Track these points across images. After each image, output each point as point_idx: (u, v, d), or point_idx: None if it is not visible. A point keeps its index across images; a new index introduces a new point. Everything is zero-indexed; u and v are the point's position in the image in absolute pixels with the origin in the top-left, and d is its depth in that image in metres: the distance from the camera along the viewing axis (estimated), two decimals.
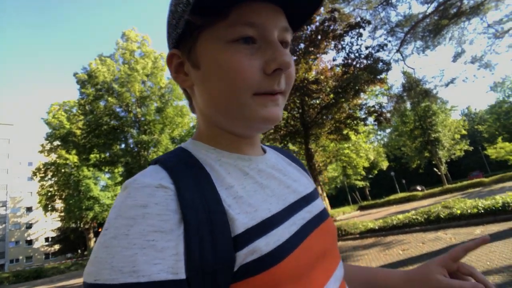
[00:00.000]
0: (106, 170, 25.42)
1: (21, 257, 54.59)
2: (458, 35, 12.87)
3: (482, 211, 7.92)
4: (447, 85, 13.56)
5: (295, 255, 0.42)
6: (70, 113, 27.36)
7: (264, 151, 0.59)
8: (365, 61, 12.67)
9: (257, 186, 0.47)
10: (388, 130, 37.53)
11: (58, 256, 51.70)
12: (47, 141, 28.76)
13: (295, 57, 13.66)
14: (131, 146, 23.03)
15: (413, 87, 14.25)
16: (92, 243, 35.25)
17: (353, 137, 18.85)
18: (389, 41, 12.44)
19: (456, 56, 13.40)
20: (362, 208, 28.88)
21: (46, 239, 55.63)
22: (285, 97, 0.48)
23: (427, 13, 11.50)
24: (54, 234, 49.60)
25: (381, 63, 12.23)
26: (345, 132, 16.37)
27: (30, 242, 56.34)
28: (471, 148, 33.92)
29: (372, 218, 13.11)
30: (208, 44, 0.43)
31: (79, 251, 45.50)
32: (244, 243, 0.38)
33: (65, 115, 27.91)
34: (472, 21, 12.25)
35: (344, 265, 0.66)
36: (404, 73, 20.96)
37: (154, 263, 0.33)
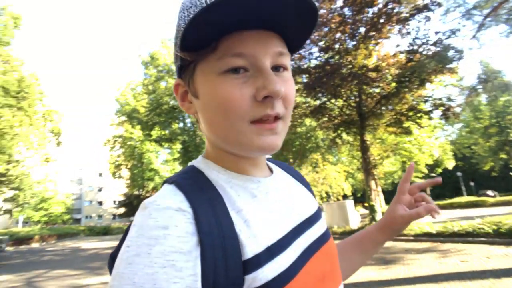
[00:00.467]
0: (166, 146, 27.31)
1: (93, 215, 62.59)
2: None
3: None
4: None
5: (297, 280, 0.43)
6: (135, 92, 29.70)
7: (271, 170, 0.60)
8: (433, 48, 11.38)
9: (264, 210, 0.48)
10: (457, 126, 33.83)
11: (123, 218, 57.46)
12: (116, 116, 31.77)
13: (354, 42, 12.85)
14: (188, 125, 24.34)
15: (491, 79, 12.52)
16: None
17: (415, 131, 17.40)
18: (464, 26, 10.94)
19: None
20: None
21: (114, 202, 62.52)
22: (285, 123, 0.48)
23: None
24: (120, 198, 55.36)
25: (452, 51, 10.88)
26: (406, 125, 15.10)
27: (100, 203, 64.15)
28: None
29: (430, 220, 12.14)
30: (202, 76, 0.45)
31: None
32: (252, 268, 0.40)
33: (131, 93, 30.40)
34: None
35: (337, 245, 0.69)
36: (481, 62, 18.51)
37: (173, 281, 0.35)
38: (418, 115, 14.07)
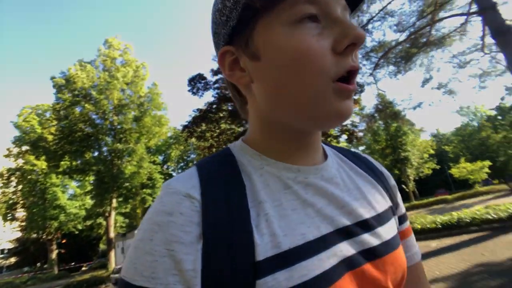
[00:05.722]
0: (77, 178, 24.54)
1: None
2: (427, 62, 13.99)
3: (440, 226, 8.68)
4: (414, 108, 14.70)
5: None
6: (42, 117, 26.35)
7: (326, 157, 0.51)
8: None
9: (298, 204, 0.41)
10: (361, 148, 39.12)
11: (13, 270, 48.17)
12: (15, 145, 27.45)
13: None
14: (105, 154, 22.44)
15: (384, 109, 15.20)
16: (54, 255, 33.38)
17: None
18: (364, 65, 13.25)
19: (425, 82, 14.52)
20: None
21: (1, 251, 51.87)
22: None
23: (399, 41, 12.44)
24: (11, 246, 46.31)
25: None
26: None
27: None
28: (438, 167, 35.79)
29: None
30: (268, 30, 0.39)
31: (38, 264, 42.66)
32: (264, 272, 0.34)
33: (37, 119, 26.85)
34: (439, 50, 13.40)
35: None
36: (378, 94, 22.43)
37: (171, 273, 0.33)
38: (328, 139, 16.15)
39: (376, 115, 16.07)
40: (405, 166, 31.37)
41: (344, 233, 0.41)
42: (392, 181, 0.59)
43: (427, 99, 27.24)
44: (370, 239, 0.43)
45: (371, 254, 0.42)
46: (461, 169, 26.30)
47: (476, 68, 13.24)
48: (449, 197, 22.63)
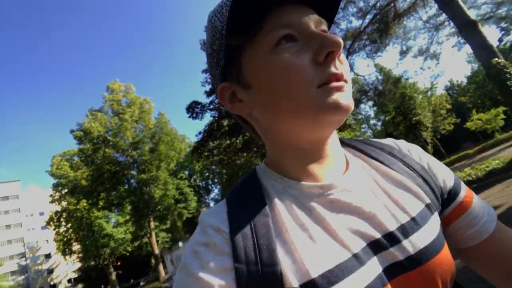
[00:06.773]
0: (115, 210, 27.14)
1: None
2: (402, 33, 14.22)
3: None
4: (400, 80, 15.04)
5: None
6: (72, 161, 28.98)
7: (348, 163, 0.50)
8: None
9: (324, 226, 0.42)
10: (372, 122, 38.37)
11: None
12: (55, 191, 30.34)
13: None
14: (134, 185, 24.71)
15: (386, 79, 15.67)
16: (113, 277, 36.52)
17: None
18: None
19: (402, 53, 14.81)
20: None
21: (69, 281, 56.76)
22: (349, 85, 0.43)
23: (365, 25, 12.91)
24: (76, 275, 50.85)
25: None
26: None
27: (54, 286, 57.58)
28: (458, 120, 34.38)
29: None
30: (253, 60, 0.43)
31: (102, 286, 46.60)
32: None
33: (67, 164, 29.52)
34: (412, 19, 13.63)
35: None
36: (375, 65, 22.71)
37: None
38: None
39: (379, 86, 16.43)
40: (418, 130, 30.18)
41: (378, 246, 0.40)
42: (425, 160, 0.54)
43: (405, 72, 26.42)
44: (405, 248, 0.41)
45: (410, 263, 0.40)
46: (475, 121, 25.42)
47: (448, 28, 13.35)
48: (470, 151, 21.54)
